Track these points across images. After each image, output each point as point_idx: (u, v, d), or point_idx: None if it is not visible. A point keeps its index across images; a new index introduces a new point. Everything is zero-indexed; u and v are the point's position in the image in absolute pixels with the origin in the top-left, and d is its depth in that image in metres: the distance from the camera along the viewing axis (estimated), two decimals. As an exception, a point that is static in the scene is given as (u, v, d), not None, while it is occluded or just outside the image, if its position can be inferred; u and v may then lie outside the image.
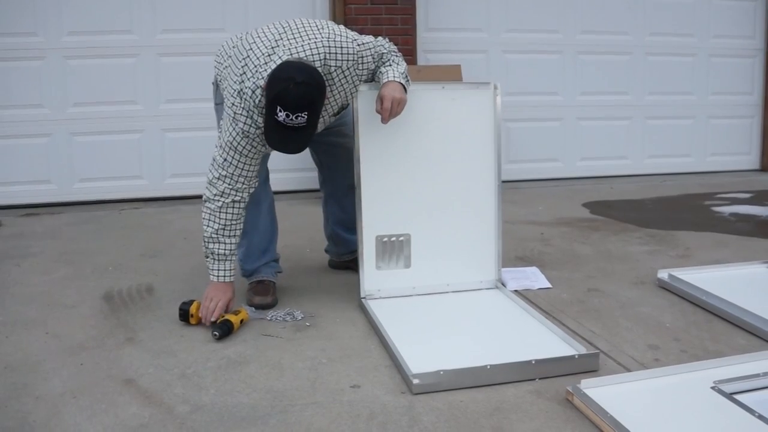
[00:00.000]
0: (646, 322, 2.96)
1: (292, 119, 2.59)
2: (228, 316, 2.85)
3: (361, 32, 3.02)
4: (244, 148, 2.85)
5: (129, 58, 5.48)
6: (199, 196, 5.29)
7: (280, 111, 2.58)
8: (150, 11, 5.46)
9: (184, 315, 2.92)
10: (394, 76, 2.92)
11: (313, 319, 3.00)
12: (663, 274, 3.43)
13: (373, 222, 3.14)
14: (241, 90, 2.81)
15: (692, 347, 2.69)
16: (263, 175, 3.26)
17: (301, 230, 4.34)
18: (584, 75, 6.58)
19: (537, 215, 5.04)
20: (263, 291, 3.17)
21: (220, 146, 2.90)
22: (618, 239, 4.33)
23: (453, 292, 3.25)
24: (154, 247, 4.17)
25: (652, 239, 4.33)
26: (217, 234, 2.94)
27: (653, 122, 6.86)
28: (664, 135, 6.90)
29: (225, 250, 2.96)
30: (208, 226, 2.96)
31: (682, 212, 5.24)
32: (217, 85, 3.16)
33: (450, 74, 5.47)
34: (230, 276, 2.99)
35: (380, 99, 2.88)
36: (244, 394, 2.33)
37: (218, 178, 2.90)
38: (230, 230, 2.96)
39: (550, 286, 3.42)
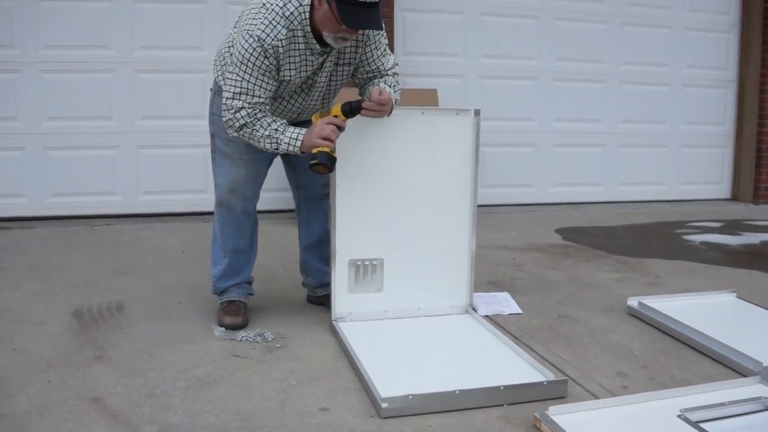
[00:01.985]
0: (615, 350, 2.98)
1: None
2: (321, 150, 2.81)
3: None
4: (257, 59, 2.79)
5: (106, 74, 5.47)
6: (173, 214, 5.25)
7: None
8: (128, 27, 5.46)
9: (329, 158, 2.82)
10: (392, 94, 3.01)
11: (283, 340, 2.99)
12: (633, 302, 3.46)
13: (347, 245, 3.14)
14: (265, 3, 2.79)
15: (660, 375, 2.72)
16: (252, 203, 3.26)
17: (275, 251, 4.34)
18: (559, 102, 6.66)
19: (510, 240, 5.08)
20: (234, 311, 3.16)
21: (232, 70, 2.85)
22: (589, 266, 4.37)
23: (424, 316, 3.26)
24: (125, 265, 4.15)
25: (623, 266, 4.37)
26: (270, 131, 2.88)
27: (626, 150, 6.94)
28: (637, 163, 6.99)
29: (279, 125, 2.90)
30: (260, 141, 2.89)
31: (653, 240, 5.30)
32: (215, 92, 3.15)
33: (426, 99, 5.52)
34: (301, 130, 2.90)
35: (380, 92, 2.92)
36: (213, 415, 2.32)
37: (233, 97, 2.84)
38: (274, 123, 2.89)
39: (520, 311, 3.44)
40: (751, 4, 7.03)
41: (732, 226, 5.84)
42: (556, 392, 2.48)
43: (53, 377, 2.57)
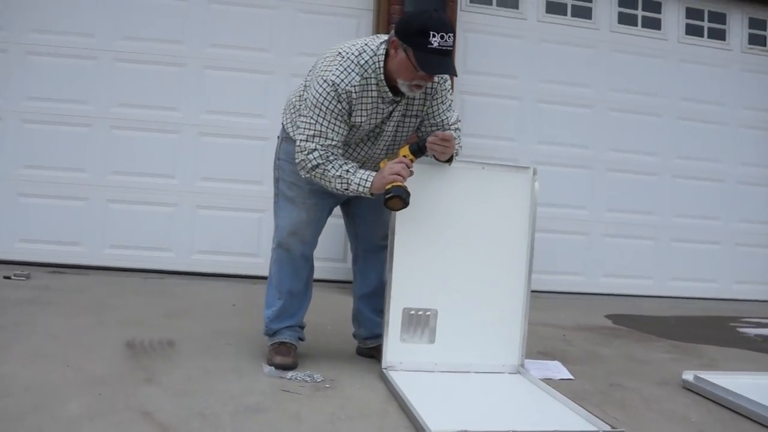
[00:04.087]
0: (671, 416, 2.90)
1: (446, 40, 2.77)
2: (395, 184, 2.87)
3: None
4: (330, 103, 2.87)
5: (171, 134, 5.64)
6: (225, 275, 5.32)
7: (434, 36, 2.74)
8: (196, 91, 5.65)
9: (404, 191, 2.88)
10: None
11: (333, 382, 2.98)
12: (688, 376, 3.37)
13: (402, 294, 3.15)
14: (341, 51, 2.91)
15: (719, 440, 2.63)
16: (311, 248, 3.30)
17: (324, 311, 4.32)
18: (612, 192, 6.63)
19: (559, 320, 5.01)
20: (285, 352, 3.15)
21: (306, 113, 2.94)
22: (641, 346, 4.28)
23: (475, 372, 3.21)
24: (176, 310, 4.18)
25: (675, 349, 4.27)
26: (341, 172, 2.93)
27: (678, 245, 6.84)
28: (689, 258, 6.86)
29: (351, 166, 2.95)
30: (330, 181, 2.94)
31: (706, 329, 5.18)
32: (282, 139, 3.25)
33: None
34: (371, 173, 2.95)
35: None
36: (261, 437, 2.30)
37: (306, 139, 2.92)
38: (345, 165, 2.95)
39: (572, 377, 3.37)
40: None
41: (788, 325, 5.69)
42: (612, 443, 2.42)
43: (104, 391, 2.59)
